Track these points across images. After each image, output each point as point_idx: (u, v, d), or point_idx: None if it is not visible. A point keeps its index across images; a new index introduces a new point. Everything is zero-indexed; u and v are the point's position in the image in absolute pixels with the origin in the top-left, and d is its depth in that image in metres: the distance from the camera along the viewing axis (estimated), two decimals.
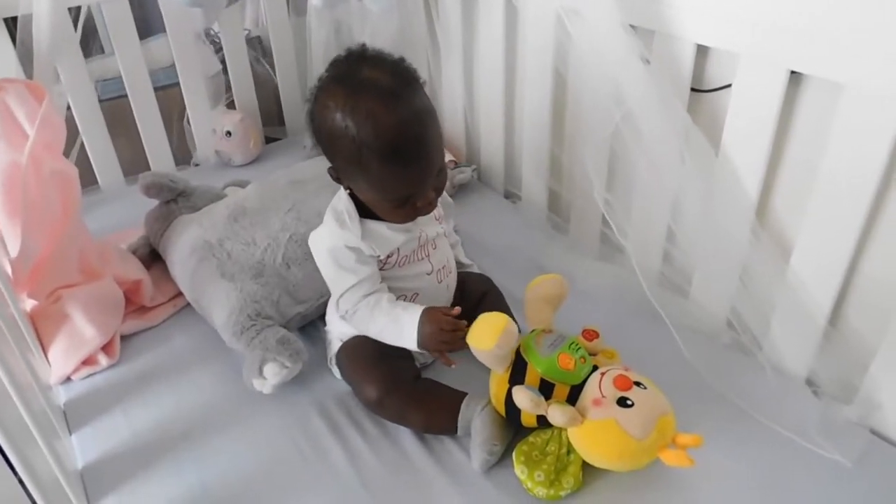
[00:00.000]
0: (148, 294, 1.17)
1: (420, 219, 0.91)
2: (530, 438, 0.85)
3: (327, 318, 1.04)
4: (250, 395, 0.98)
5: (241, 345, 1.01)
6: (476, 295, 1.04)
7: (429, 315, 0.87)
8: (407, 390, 0.92)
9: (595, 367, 0.85)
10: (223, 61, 1.67)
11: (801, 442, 0.87)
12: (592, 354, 0.88)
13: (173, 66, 1.57)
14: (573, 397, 0.83)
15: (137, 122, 1.55)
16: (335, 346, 1.00)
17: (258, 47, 1.87)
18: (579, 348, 0.85)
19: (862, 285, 0.91)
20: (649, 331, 0.98)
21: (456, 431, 0.89)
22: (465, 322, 0.86)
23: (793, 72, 0.86)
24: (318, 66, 1.67)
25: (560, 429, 0.82)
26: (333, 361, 1.00)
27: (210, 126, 1.65)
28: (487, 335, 0.81)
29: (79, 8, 1.44)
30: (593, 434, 0.79)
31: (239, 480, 0.88)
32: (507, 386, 0.84)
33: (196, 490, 0.86)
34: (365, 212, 0.89)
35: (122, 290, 1.14)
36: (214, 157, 1.68)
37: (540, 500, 0.81)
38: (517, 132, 1.44)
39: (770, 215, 0.99)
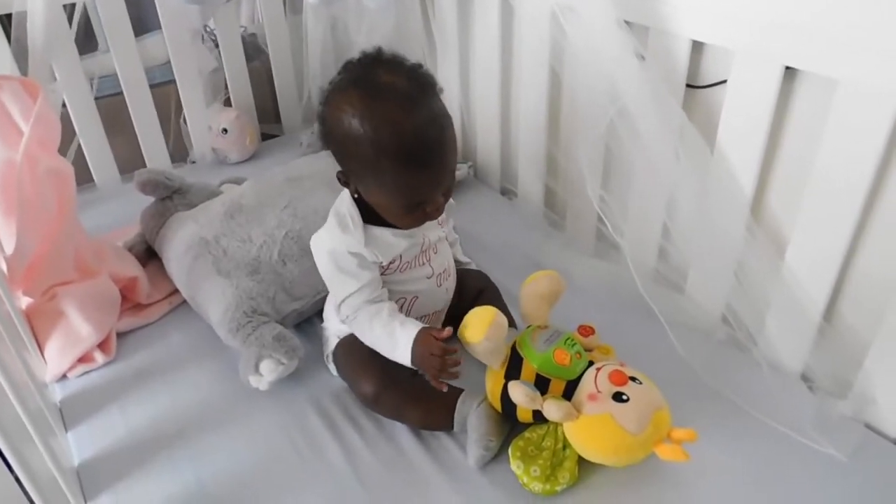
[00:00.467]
0: (144, 291, 1.17)
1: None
2: (526, 434, 0.85)
3: (324, 314, 1.04)
4: (247, 392, 0.98)
5: (237, 342, 1.01)
6: (473, 292, 1.04)
7: (421, 338, 0.85)
8: (403, 387, 0.92)
9: (591, 363, 0.86)
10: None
11: (796, 437, 0.87)
12: (588, 350, 0.89)
13: (169, 63, 1.56)
14: (569, 393, 0.83)
15: (133, 119, 1.55)
16: (332, 343, 1.00)
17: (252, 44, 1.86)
18: (575, 344, 0.86)
19: (856, 281, 0.91)
20: (645, 327, 0.98)
21: (452, 427, 0.90)
22: (456, 348, 0.85)
23: (787, 68, 0.86)
24: (315, 63, 1.67)
25: (556, 424, 0.83)
26: (330, 358, 1.00)
27: (206, 123, 1.64)
28: (477, 328, 0.82)
29: (73, 5, 1.44)
30: (589, 429, 0.79)
31: (235, 477, 0.88)
32: (503, 382, 0.84)
33: (192, 487, 0.86)
34: (368, 217, 0.88)
35: (118, 287, 1.14)
36: (211, 154, 1.68)
37: (536, 496, 0.82)
38: (513, 129, 1.44)
39: (765, 211, 0.99)
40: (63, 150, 1.34)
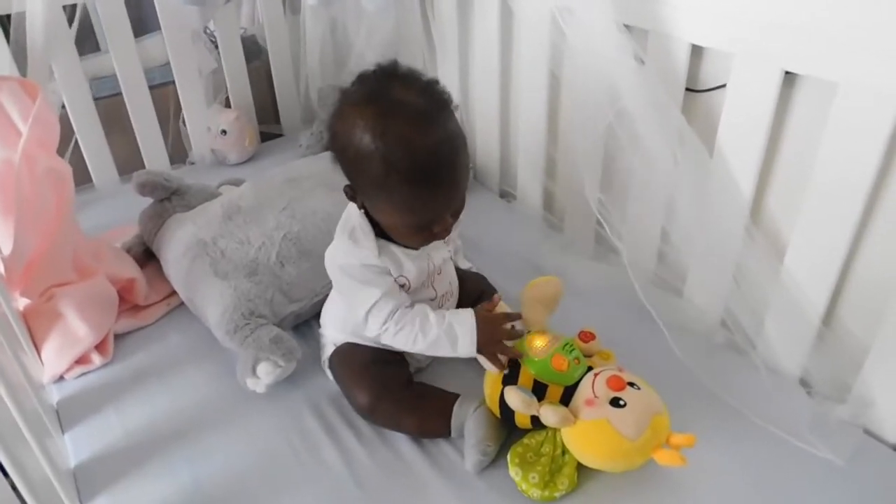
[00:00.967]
0: (142, 293, 1.17)
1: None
2: (525, 440, 0.85)
3: (322, 320, 1.03)
4: (244, 395, 0.98)
5: (234, 344, 1.01)
6: (472, 295, 1.03)
7: (481, 317, 0.84)
8: (399, 395, 0.91)
9: (590, 369, 0.85)
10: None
11: (794, 441, 0.87)
12: (588, 356, 0.88)
13: (169, 64, 1.56)
14: (567, 399, 0.83)
15: (132, 120, 1.55)
16: (328, 350, 0.99)
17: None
18: (573, 349, 0.85)
19: (855, 285, 0.91)
20: (644, 330, 0.98)
21: (450, 434, 0.89)
22: (517, 314, 0.87)
23: (787, 72, 0.86)
24: (314, 64, 1.67)
25: (554, 430, 0.82)
26: (327, 364, 1.00)
27: (205, 124, 1.64)
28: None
29: (74, 6, 1.44)
30: (586, 434, 0.79)
31: (232, 479, 0.88)
32: (501, 387, 0.84)
33: (189, 489, 0.86)
34: (376, 232, 0.87)
35: (115, 288, 1.14)
36: (210, 155, 1.67)
37: (534, 502, 0.81)
38: (512, 131, 1.44)
39: (764, 215, 0.99)
40: (63, 152, 1.34)
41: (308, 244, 1.12)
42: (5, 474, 0.69)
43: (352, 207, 0.88)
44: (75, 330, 1.05)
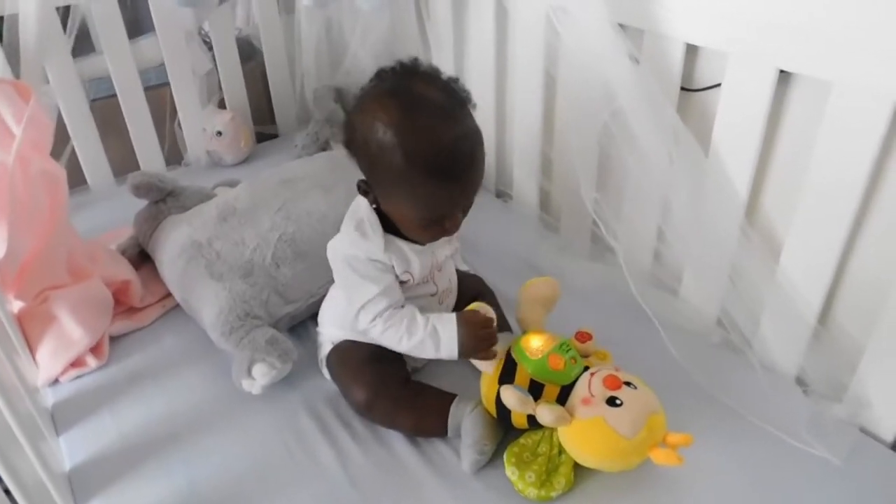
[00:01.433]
0: (137, 295, 1.16)
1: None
2: (521, 440, 0.85)
3: (320, 319, 1.03)
4: (240, 396, 0.98)
5: (229, 345, 1.01)
6: (468, 296, 1.03)
7: (464, 321, 0.86)
8: (396, 393, 0.91)
9: (586, 368, 0.85)
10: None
11: (790, 440, 0.87)
12: (585, 356, 0.88)
13: (163, 65, 1.56)
14: (563, 398, 0.83)
15: (127, 121, 1.54)
16: (326, 348, 0.99)
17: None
18: (570, 349, 0.85)
19: (851, 284, 0.91)
20: (641, 330, 0.98)
21: (446, 433, 0.89)
22: (494, 313, 0.87)
23: (782, 71, 0.86)
24: (309, 65, 1.66)
25: (551, 430, 0.82)
26: (324, 363, 1.00)
27: (200, 126, 1.64)
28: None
29: (67, 7, 1.43)
30: (582, 433, 0.79)
31: (228, 481, 0.87)
32: (497, 387, 0.84)
33: (185, 491, 0.86)
34: (384, 228, 0.87)
35: (110, 290, 1.13)
36: (205, 156, 1.67)
37: (531, 501, 0.81)
38: (508, 131, 1.44)
39: (759, 214, 0.99)
40: (58, 155, 1.34)
41: (303, 245, 1.11)
42: None
43: (360, 200, 0.89)
44: (70, 332, 1.05)
